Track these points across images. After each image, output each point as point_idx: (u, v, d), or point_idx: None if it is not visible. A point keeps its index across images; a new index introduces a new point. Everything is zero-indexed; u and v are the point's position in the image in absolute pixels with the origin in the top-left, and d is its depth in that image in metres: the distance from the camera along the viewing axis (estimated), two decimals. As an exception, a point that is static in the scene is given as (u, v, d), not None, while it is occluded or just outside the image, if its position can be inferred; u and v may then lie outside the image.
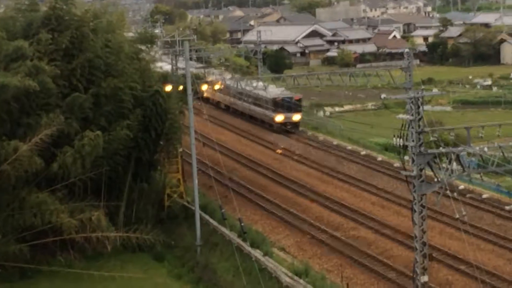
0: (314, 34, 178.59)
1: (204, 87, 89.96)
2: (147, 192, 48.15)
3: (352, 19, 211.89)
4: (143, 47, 51.54)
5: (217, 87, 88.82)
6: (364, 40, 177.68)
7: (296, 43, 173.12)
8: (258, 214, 52.45)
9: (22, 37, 44.69)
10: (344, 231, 48.39)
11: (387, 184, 58.12)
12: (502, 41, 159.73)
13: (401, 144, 32.82)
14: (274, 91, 79.73)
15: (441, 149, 32.46)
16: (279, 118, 79.33)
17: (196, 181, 45.14)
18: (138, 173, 47.20)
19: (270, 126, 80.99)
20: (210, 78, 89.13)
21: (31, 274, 41.06)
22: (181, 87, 46.36)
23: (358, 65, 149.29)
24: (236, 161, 67.62)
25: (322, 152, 70.22)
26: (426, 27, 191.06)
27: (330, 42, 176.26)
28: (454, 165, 32.62)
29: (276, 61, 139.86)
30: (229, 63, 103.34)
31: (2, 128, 42.06)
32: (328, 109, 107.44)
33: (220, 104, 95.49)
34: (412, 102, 31.73)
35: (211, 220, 47.39)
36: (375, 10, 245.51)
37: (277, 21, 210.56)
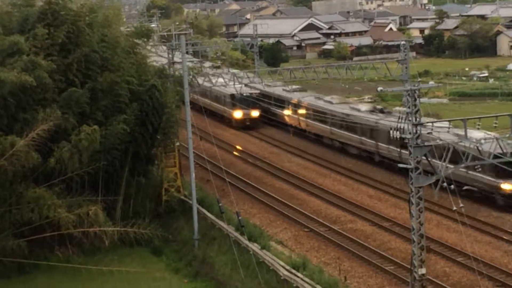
0: (310, 27, 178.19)
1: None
2: (144, 186, 48.10)
3: (348, 12, 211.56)
4: (139, 41, 51.51)
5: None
6: (361, 33, 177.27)
7: (293, 36, 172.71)
8: (256, 208, 52.47)
9: (18, 32, 44.64)
10: (341, 224, 48.43)
11: (384, 177, 58.15)
12: (499, 32, 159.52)
13: (398, 136, 32.90)
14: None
15: (438, 141, 32.52)
16: (507, 186, 48.58)
17: (193, 175, 45.12)
18: (136, 168, 47.13)
19: (490, 195, 50.17)
20: (295, 100, 70.75)
21: (29, 269, 41.01)
22: None
23: (355, 58, 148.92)
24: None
25: (319, 145, 70.16)
26: (422, 20, 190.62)
27: (327, 35, 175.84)
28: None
29: (273, 55, 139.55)
30: (226, 57, 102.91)
31: (-1, 123, 42.08)
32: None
33: (374, 157, 61.56)
34: (408, 94, 31.77)
35: (208, 214, 47.34)
36: (371, 2, 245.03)
37: (273, 14, 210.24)
